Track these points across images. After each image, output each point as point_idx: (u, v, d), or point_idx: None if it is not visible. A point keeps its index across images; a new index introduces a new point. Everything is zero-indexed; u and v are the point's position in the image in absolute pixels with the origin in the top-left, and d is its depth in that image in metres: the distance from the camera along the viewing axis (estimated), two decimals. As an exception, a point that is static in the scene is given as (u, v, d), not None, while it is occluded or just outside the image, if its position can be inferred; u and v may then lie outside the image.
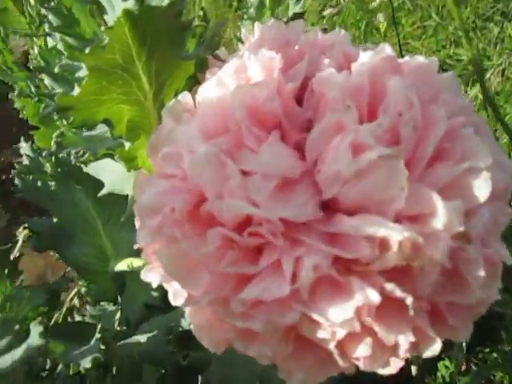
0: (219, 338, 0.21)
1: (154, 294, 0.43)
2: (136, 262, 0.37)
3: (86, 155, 0.25)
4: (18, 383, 0.26)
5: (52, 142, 0.24)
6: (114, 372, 0.34)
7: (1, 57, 0.54)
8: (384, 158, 0.16)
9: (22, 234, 0.55)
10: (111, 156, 0.27)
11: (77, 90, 0.21)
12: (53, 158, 0.37)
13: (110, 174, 0.30)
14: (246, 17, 0.48)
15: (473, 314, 0.20)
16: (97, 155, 0.25)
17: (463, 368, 0.66)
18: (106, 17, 0.27)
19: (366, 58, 0.19)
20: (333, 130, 0.17)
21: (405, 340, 0.18)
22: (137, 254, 0.36)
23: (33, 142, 0.51)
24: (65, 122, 0.24)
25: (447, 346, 0.65)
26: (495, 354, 0.62)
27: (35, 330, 0.25)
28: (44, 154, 0.39)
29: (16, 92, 0.52)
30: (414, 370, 0.65)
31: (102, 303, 0.50)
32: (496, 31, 1.45)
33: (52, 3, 0.34)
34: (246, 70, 0.21)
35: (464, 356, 0.63)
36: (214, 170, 0.18)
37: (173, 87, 0.26)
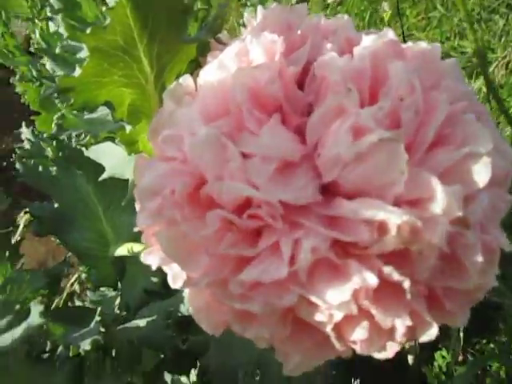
0: (217, 320, 0.21)
1: (154, 279, 0.44)
2: (136, 247, 0.38)
3: (87, 138, 0.25)
4: (18, 362, 0.26)
5: (53, 125, 0.24)
6: (114, 355, 0.34)
7: (2, 41, 0.54)
8: (384, 142, 0.16)
9: (23, 218, 0.55)
10: (112, 139, 0.27)
11: (78, 72, 0.21)
12: (54, 142, 0.37)
13: (111, 158, 0.30)
14: (249, 3, 0.48)
15: (470, 299, 0.20)
16: (98, 138, 0.25)
17: (460, 358, 0.67)
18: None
19: (368, 41, 0.19)
20: (333, 114, 0.17)
21: (401, 324, 0.18)
22: (137, 239, 0.36)
23: (34, 128, 0.51)
24: (66, 106, 0.24)
25: (444, 335, 0.66)
26: (492, 345, 0.63)
27: (35, 309, 0.25)
28: (45, 136, 0.39)
29: (17, 76, 0.52)
30: (410, 359, 0.66)
31: (102, 289, 0.50)
32: (501, 23, 1.44)
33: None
34: (248, 53, 0.21)
35: (461, 346, 0.63)
36: (215, 152, 0.18)
37: (174, 71, 0.26)
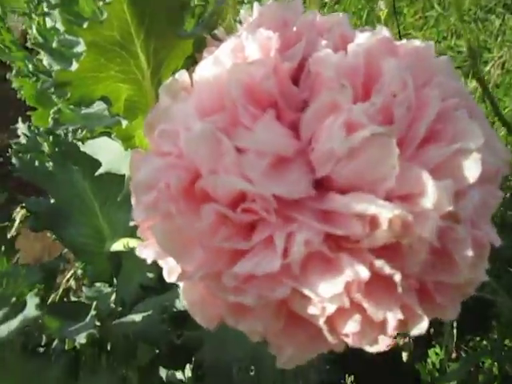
0: (212, 313, 0.21)
1: (150, 275, 0.44)
2: (132, 243, 0.38)
3: (83, 133, 0.26)
4: (14, 354, 0.26)
5: (49, 119, 0.24)
6: (109, 349, 0.34)
7: (-1, 36, 0.54)
8: (376, 137, 0.16)
9: (19, 213, 0.55)
10: (108, 134, 0.27)
11: (75, 66, 0.21)
12: (50, 137, 0.37)
13: (108, 153, 0.30)
14: (245, 0, 0.48)
15: (461, 293, 0.21)
16: (94, 132, 0.25)
17: (454, 355, 0.68)
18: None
19: (362, 39, 0.19)
20: (327, 109, 0.18)
21: (393, 317, 0.19)
22: (133, 235, 0.36)
23: (30, 123, 0.51)
24: (63, 101, 0.24)
25: (438, 333, 0.67)
26: (485, 342, 0.63)
27: (31, 301, 0.26)
28: (41, 130, 0.39)
29: (14, 71, 0.52)
30: (404, 356, 0.67)
31: (97, 285, 0.51)
32: (497, 23, 1.45)
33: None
34: (244, 50, 0.21)
35: (454, 343, 0.64)
36: (210, 147, 0.18)
37: (171, 67, 0.26)
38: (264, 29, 0.21)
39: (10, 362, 0.28)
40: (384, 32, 0.20)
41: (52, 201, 0.45)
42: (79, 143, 0.29)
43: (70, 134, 0.33)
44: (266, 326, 0.20)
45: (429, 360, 0.67)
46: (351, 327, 0.19)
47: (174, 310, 0.38)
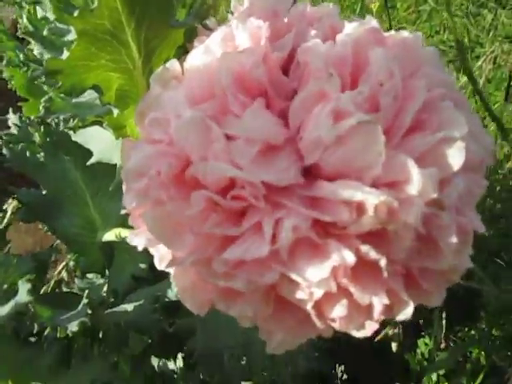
0: (202, 298, 0.21)
1: (142, 265, 0.44)
2: (124, 233, 0.38)
3: (75, 122, 0.26)
4: (6, 340, 0.26)
5: (40, 107, 0.24)
6: (101, 337, 0.35)
7: (-12, 26, 0.53)
8: (362, 124, 0.16)
9: (10, 205, 0.55)
10: (100, 124, 0.27)
11: (65, 54, 0.22)
12: (41, 127, 0.37)
13: (99, 142, 0.30)
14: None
15: (446, 279, 0.21)
16: (85, 121, 0.25)
17: (443, 345, 0.69)
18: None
19: (350, 29, 0.20)
20: (315, 98, 0.18)
21: (379, 302, 0.19)
22: (125, 225, 0.36)
23: (21, 114, 0.50)
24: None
25: (427, 323, 0.68)
26: (473, 332, 0.65)
27: (23, 287, 0.26)
28: (32, 118, 0.39)
29: (4, 61, 0.52)
30: (394, 346, 0.68)
31: (90, 276, 0.51)
32: (489, 18, 1.46)
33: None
34: (234, 39, 0.21)
35: (443, 333, 0.65)
36: (200, 134, 0.18)
37: (162, 56, 0.26)
38: (254, 18, 0.21)
39: (1, 351, 0.29)
40: (372, 22, 0.21)
41: (44, 192, 0.45)
42: (71, 132, 0.29)
43: (61, 124, 0.33)
44: (256, 311, 0.20)
45: (418, 350, 0.68)
46: (338, 311, 0.19)
47: (166, 299, 0.39)
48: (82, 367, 0.31)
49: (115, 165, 0.31)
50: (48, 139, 0.38)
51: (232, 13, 0.39)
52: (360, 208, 0.17)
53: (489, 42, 1.36)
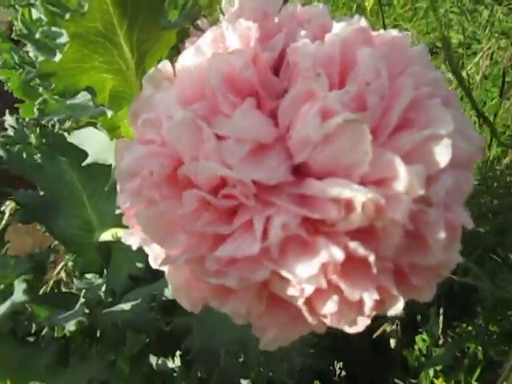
0: (196, 296, 0.22)
1: (139, 265, 0.45)
2: (120, 233, 0.38)
3: (69, 123, 0.26)
4: (4, 340, 0.27)
5: (35, 109, 0.24)
6: (98, 336, 0.35)
7: (-16, 28, 0.54)
8: (349, 123, 0.16)
9: (8, 206, 0.55)
10: (94, 125, 0.27)
11: (58, 57, 0.22)
12: (37, 129, 0.37)
13: (94, 143, 0.31)
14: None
15: (435, 275, 0.21)
16: (79, 123, 0.26)
17: (441, 341, 0.69)
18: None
19: (338, 28, 0.20)
20: (303, 98, 0.18)
21: (369, 297, 0.19)
22: (122, 225, 0.36)
23: (18, 116, 0.50)
24: (48, 92, 0.25)
25: (425, 320, 0.68)
26: (470, 327, 0.65)
27: (19, 287, 0.26)
28: (27, 120, 0.39)
29: (0, 63, 0.52)
30: (392, 342, 0.68)
31: (88, 276, 0.51)
32: (486, 14, 1.46)
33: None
34: (224, 40, 0.21)
35: (440, 329, 0.65)
36: (191, 135, 0.19)
37: (155, 57, 0.26)
38: (244, 19, 0.21)
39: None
40: (360, 22, 0.21)
41: (41, 193, 0.45)
42: (65, 134, 0.29)
43: (57, 125, 0.33)
44: (249, 308, 0.21)
45: (416, 346, 0.68)
46: (329, 308, 0.20)
47: (163, 298, 0.39)
48: (79, 366, 0.31)
49: (110, 165, 0.31)
50: (44, 141, 0.39)
51: (223, 13, 0.39)
52: (348, 205, 0.18)
53: (485, 38, 1.36)
